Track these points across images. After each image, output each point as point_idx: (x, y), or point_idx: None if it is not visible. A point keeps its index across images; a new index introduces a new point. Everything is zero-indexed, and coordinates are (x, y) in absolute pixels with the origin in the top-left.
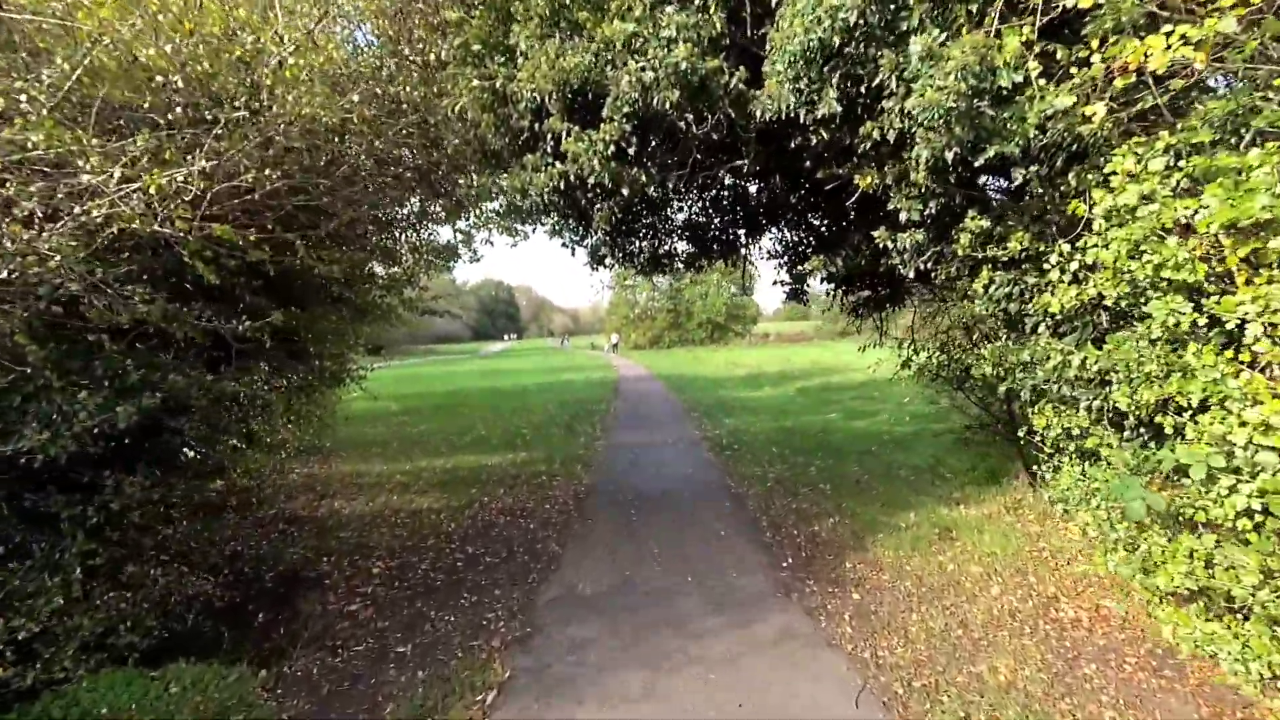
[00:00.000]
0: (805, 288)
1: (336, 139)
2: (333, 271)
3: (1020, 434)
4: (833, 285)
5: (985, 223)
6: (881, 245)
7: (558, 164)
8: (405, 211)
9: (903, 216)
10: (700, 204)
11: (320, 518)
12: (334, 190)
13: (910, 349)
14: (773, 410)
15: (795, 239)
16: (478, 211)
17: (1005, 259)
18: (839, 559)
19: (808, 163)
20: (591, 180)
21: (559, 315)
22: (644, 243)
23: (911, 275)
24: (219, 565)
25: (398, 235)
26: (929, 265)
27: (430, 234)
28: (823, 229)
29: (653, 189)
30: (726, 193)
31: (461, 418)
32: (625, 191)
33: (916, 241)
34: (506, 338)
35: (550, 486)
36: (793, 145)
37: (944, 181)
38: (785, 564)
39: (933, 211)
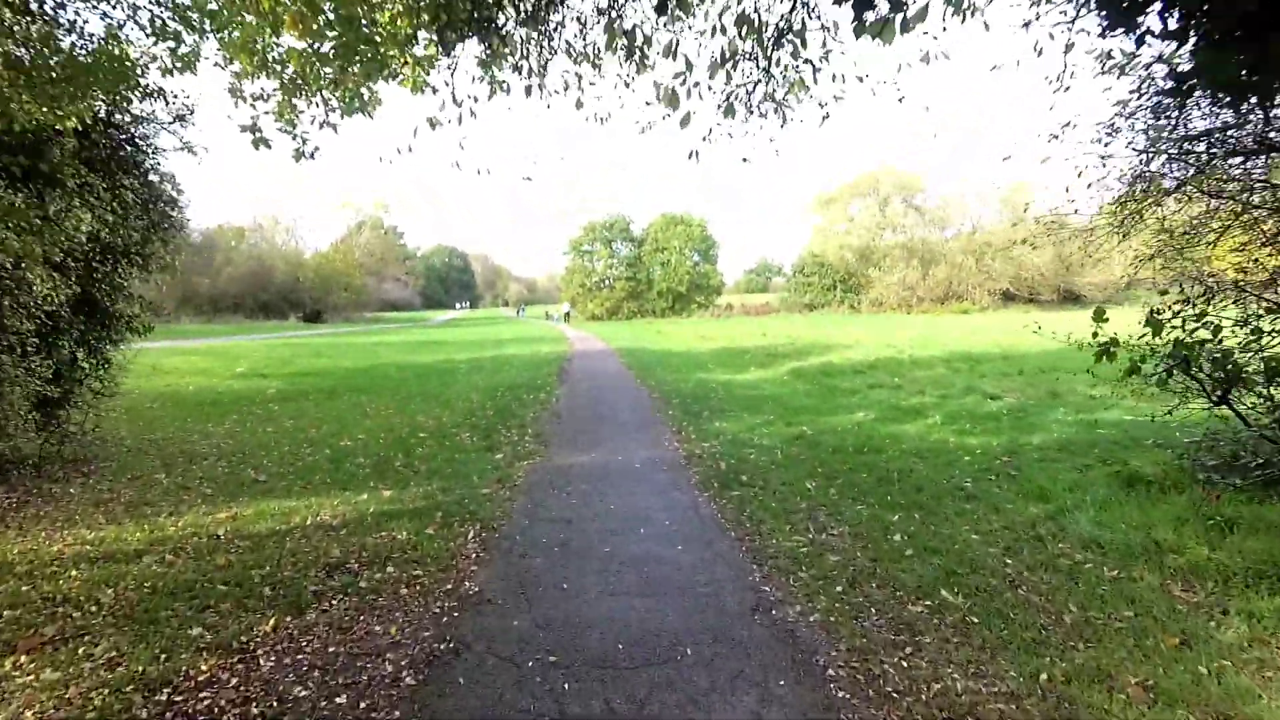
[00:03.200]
0: None
1: None
2: None
3: None
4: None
5: None
6: None
7: None
8: None
9: None
10: None
11: None
12: None
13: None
14: (776, 405)
15: None
16: None
17: None
18: None
19: None
20: None
21: (515, 284)
22: None
23: None
24: None
25: None
26: None
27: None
28: None
29: None
30: None
31: (348, 409)
32: None
33: None
34: (458, 306)
35: (384, 612)
36: None
37: None
38: None
39: None
